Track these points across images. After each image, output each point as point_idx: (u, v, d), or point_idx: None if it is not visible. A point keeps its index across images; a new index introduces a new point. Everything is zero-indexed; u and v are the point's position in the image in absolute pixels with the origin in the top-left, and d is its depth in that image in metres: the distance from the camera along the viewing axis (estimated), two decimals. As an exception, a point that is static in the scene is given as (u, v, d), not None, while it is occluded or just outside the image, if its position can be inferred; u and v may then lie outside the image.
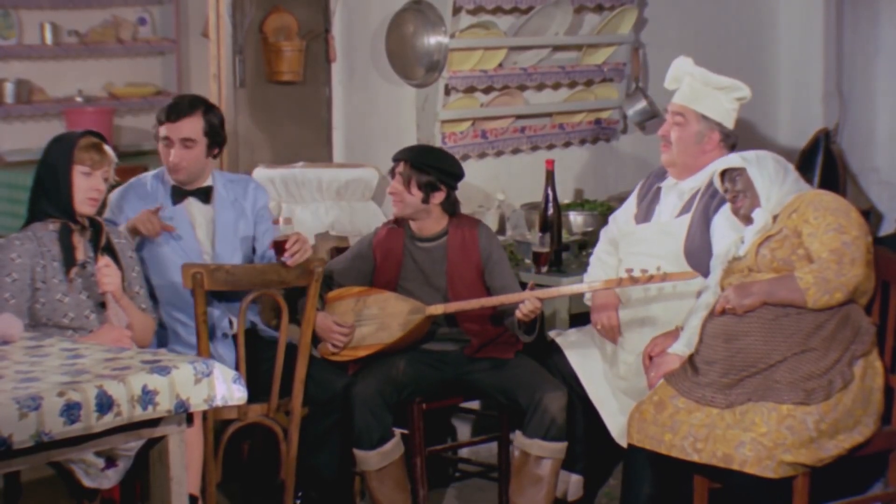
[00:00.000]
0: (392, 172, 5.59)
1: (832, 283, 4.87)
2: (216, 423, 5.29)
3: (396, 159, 5.60)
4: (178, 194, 5.51)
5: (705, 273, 5.32)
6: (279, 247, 5.31)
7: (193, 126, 5.42)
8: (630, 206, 5.71)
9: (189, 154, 5.44)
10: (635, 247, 5.54)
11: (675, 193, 5.56)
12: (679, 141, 5.50)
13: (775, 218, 5.08)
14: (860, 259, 4.91)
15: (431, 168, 5.53)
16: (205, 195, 5.52)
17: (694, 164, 5.50)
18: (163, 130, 5.44)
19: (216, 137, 5.48)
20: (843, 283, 4.88)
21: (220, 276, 5.18)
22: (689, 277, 5.30)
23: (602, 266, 5.65)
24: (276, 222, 5.44)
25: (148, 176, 5.59)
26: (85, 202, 5.00)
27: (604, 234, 5.76)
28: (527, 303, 5.35)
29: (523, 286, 5.56)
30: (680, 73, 5.60)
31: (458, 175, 5.60)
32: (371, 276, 5.65)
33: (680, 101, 5.54)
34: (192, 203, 5.52)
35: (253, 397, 5.18)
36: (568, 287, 5.51)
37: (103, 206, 5.20)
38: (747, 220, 5.13)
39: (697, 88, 5.53)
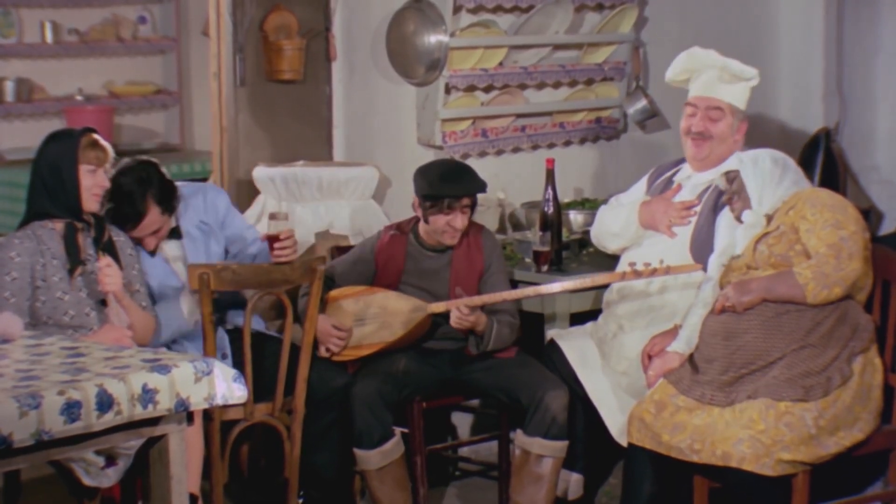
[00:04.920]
0: (450, 207, 5.46)
1: (831, 277, 4.87)
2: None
3: (465, 194, 5.48)
4: None
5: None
6: (271, 241, 5.38)
7: (152, 219, 5.36)
8: (639, 192, 5.70)
9: (161, 233, 5.43)
10: (641, 238, 5.55)
11: (688, 187, 5.57)
12: (719, 135, 5.51)
13: (769, 218, 5.09)
14: (858, 254, 4.91)
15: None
16: (173, 233, 5.51)
17: (724, 154, 5.52)
18: (130, 233, 5.32)
19: (170, 207, 5.40)
20: (841, 278, 4.88)
21: (226, 275, 5.18)
22: (692, 270, 5.31)
23: (618, 207, 5.66)
24: (272, 217, 5.45)
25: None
26: (91, 199, 5.02)
27: (613, 197, 5.76)
28: (454, 312, 5.37)
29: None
30: (696, 65, 5.57)
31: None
32: (371, 280, 5.64)
33: (711, 94, 5.52)
34: (162, 244, 5.50)
35: (255, 397, 5.20)
36: (572, 282, 5.52)
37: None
38: (740, 220, 5.16)
39: (727, 80, 5.53)
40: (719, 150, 5.53)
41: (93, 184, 5.01)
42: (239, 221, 5.69)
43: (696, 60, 5.60)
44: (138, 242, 5.37)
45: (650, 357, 5.22)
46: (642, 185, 5.75)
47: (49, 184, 5.00)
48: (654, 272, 5.26)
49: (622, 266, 5.57)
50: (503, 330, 5.51)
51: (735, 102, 5.53)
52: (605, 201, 6.62)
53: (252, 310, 5.24)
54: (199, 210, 5.59)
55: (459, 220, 5.49)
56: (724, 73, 5.53)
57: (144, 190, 5.32)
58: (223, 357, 5.38)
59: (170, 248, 5.52)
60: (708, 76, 5.55)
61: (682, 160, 5.67)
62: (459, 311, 5.38)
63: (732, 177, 5.15)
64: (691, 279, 5.39)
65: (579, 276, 5.70)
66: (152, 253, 5.44)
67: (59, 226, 5.02)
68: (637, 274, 5.28)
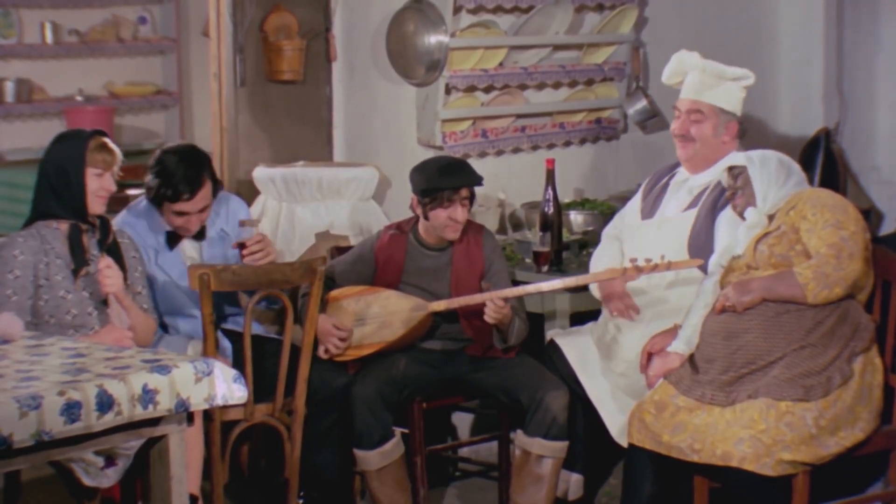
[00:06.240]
0: (449, 200, 5.45)
1: (831, 277, 4.87)
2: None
3: (464, 185, 5.47)
4: (174, 239, 5.51)
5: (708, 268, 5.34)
6: (241, 248, 5.41)
7: (206, 193, 5.45)
8: (636, 201, 5.72)
9: (204, 216, 5.49)
10: (639, 241, 5.55)
11: (685, 189, 5.57)
12: (700, 136, 5.52)
13: (771, 217, 5.09)
14: (858, 254, 4.91)
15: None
16: (200, 234, 5.55)
17: (712, 156, 5.53)
18: (180, 207, 5.40)
19: (216, 189, 5.52)
20: (842, 278, 4.88)
21: (226, 276, 5.18)
22: (692, 265, 5.31)
23: (604, 262, 5.65)
24: (241, 224, 5.50)
25: (141, 210, 5.52)
26: (96, 202, 5.03)
27: (605, 233, 5.77)
28: (490, 305, 5.35)
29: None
30: (684, 68, 5.61)
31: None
32: (371, 280, 5.64)
33: (693, 97, 5.54)
34: (184, 243, 5.52)
35: (255, 397, 5.20)
36: (573, 278, 5.52)
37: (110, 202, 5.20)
38: (742, 216, 5.16)
39: (709, 81, 5.54)
40: (704, 151, 5.54)
41: (99, 187, 5.02)
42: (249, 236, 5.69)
43: (682, 63, 5.64)
44: (173, 240, 5.45)
45: (650, 355, 5.22)
46: (638, 197, 5.74)
47: (55, 185, 5.01)
48: (655, 267, 5.26)
49: (623, 263, 5.57)
50: (521, 325, 5.53)
51: (719, 104, 5.53)
52: (605, 203, 6.64)
53: (252, 310, 5.24)
54: (221, 217, 5.61)
55: (460, 213, 5.49)
56: (706, 75, 5.55)
57: (200, 164, 5.44)
58: None
59: (190, 248, 5.53)
60: (692, 79, 5.58)
61: (678, 164, 5.68)
62: (494, 303, 5.37)
63: (738, 172, 5.16)
64: (691, 277, 5.40)
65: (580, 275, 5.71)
66: (171, 246, 5.45)
67: (63, 226, 5.03)
68: (638, 269, 5.28)
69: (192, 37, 9.16)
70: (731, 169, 5.19)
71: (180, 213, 5.43)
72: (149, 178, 5.45)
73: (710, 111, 5.53)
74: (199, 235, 5.55)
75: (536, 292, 5.54)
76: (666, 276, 5.46)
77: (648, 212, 5.64)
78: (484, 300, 5.43)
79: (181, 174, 5.39)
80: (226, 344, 5.47)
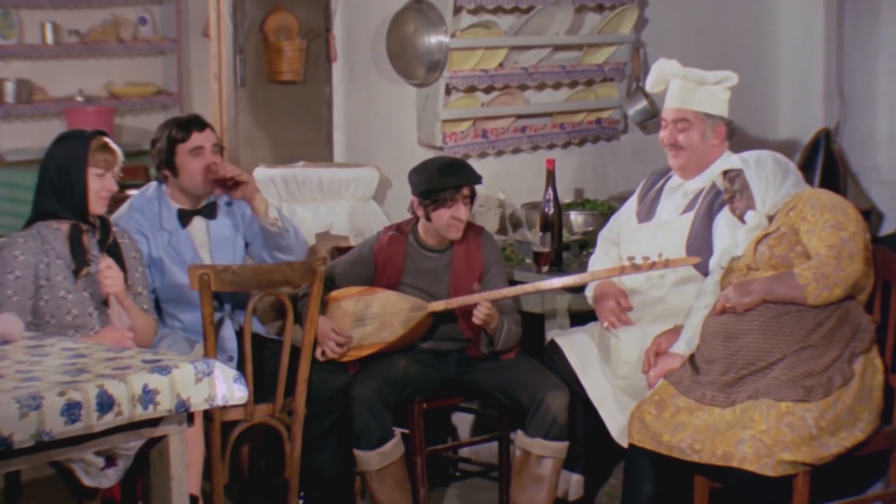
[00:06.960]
0: (450, 200, 5.46)
1: (831, 278, 4.88)
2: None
3: (465, 183, 5.48)
4: (187, 216, 5.52)
5: (706, 269, 5.34)
6: (220, 182, 5.48)
7: (212, 132, 5.53)
8: (631, 204, 5.72)
9: (218, 158, 5.50)
10: (636, 245, 5.54)
11: (680, 193, 5.58)
12: (689, 144, 5.52)
13: (771, 218, 5.09)
14: (858, 255, 4.91)
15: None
16: (210, 211, 5.54)
17: (704, 161, 5.54)
18: (194, 141, 5.43)
19: (221, 146, 5.59)
20: (842, 279, 4.88)
21: (226, 276, 5.18)
22: (691, 262, 5.31)
23: (601, 266, 5.65)
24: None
25: (150, 196, 5.57)
26: (98, 202, 5.03)
27: (601, 236, 5.77)
28: (479, 307, 5.36)
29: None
30: (665, 76, 5.62)
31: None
32: (371, 281, 5.64)
33: (678, 105, 5.55)
34: (195, 222, 5.53)
35: (255, 398, 5.20)
36: (572, 277, 5.52)
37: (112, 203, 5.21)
38: (742, 220, 5.16)
39: (692, 88, 5.54)
40: (695, 157, 5.55)
41: (101, 187, 5.02)
42: (256, 229, 5.69)
43: (662, 72, 5.65)
44: (185, 217, 5.48)
45: (656, 355, 5.22)
46: (633, 200, 5.75)
47: (56, 185, 5.01)
48: (653, 265, 5.26)
49: (622, 261, 5.58)
50: (513, 327, 5.53)
51: (704, 109, 5.53)
52: (605, 203, 6.64)
53: (252, 310, 5.24)
54: (223, 198, 5.62)
55: (463, 212, 5.50)
56: (688, 81, 5.56)
57: (198, 115, 5.60)
58: (229, 360, 5.37)
59: (200, 228, 5.53)
60: (674, 87, 5.59)
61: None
62: (482, 304, 5.37)
63: (734, 175, 5.16)
64: (690, 277, 5.40)
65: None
66: (184, 224, 5.48)
67: (64, 227, 5.03)
68: (636, 268, 5.28)
69: (192, 37, 9.16)
70: (726, 173, 5.19)
71: (196, 153, 5.43)
72: (155, 145, 5.49)
73: (696, 118, 5.53)
74: (210, 213, 5.54)
75: (536, 291, 5.55)
76: (665, 278, 5.46)
77: (645, 215, 5.64)
78: (482, 300, 5.43)
79: (184, 118, 5.54)
80: (230, 335, 5.45)
